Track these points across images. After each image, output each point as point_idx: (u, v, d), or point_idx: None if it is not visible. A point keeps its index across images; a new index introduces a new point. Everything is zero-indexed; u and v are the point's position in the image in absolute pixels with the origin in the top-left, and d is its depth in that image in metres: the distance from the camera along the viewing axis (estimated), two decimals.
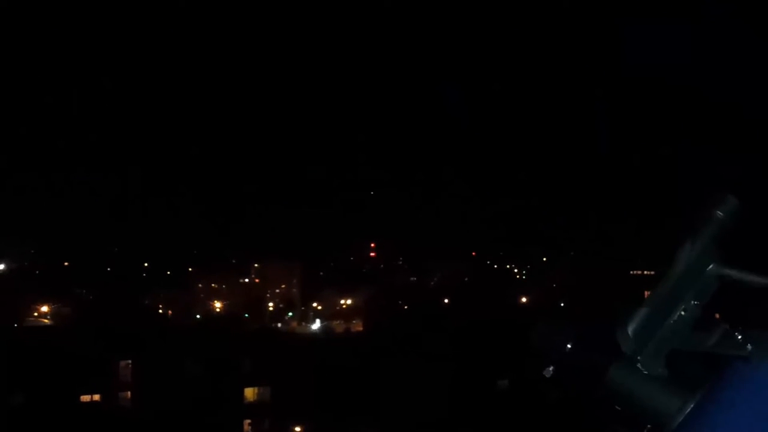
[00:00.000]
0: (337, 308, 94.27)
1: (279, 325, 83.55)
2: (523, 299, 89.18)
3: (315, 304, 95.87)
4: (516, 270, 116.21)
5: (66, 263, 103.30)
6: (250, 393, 50.10)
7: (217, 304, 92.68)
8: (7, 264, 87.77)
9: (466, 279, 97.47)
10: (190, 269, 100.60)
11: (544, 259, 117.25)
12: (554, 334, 1.48)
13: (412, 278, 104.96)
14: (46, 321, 77.97)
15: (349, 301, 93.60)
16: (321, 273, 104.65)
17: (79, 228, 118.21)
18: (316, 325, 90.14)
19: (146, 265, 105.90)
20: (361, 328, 75.71)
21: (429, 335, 51.04)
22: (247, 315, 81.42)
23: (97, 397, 48.56)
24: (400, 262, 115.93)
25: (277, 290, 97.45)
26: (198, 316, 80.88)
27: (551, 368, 1.45)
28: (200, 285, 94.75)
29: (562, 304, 72.74)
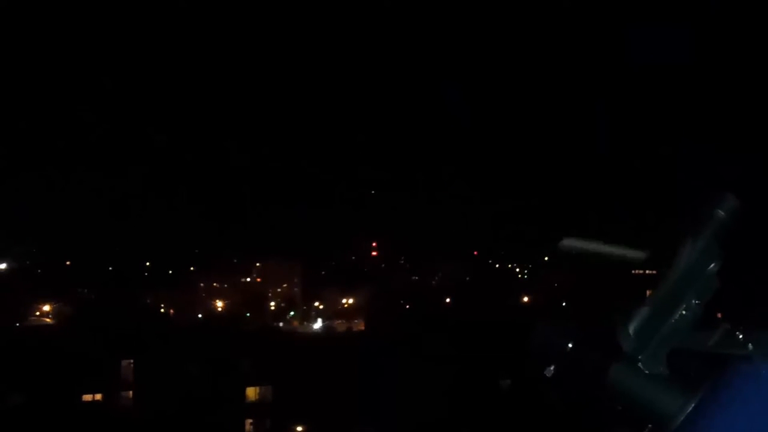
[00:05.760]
0: (339, 307, 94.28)
1: (280, 324, 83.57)
2: (525, 299, 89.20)
3: (316, 304, 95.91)
4: (518, 270, 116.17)
5: (67, 262, 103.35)
6: (251, 392, 50.15)
7: (219, 304, 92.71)
8: (8, 263, 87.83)
9: (467, 278, 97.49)
10: (191, 269, 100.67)
11: (546, 258, 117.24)
12: (555, 334, 1.48)
13: (413, 278, 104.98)
14: (47, 320, 78.02)
15: (350, 301, 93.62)
16: (322, 272, 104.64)
17: (80, 227, 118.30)
18: (318, 324, 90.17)
19: (148, 264, 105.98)
20: (362, 328, 75.71)
21: (430, 335, 51.06)
22: (248, 314, 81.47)
23: (98, 396, 48.61)
24: (402, 262, 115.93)
25: (279, 289, 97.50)
26: (200, 316, 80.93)
27: (552, 368, 1.45)
28: (202, 284, 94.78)
29: (563, 304, 72.71)
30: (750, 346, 1.27)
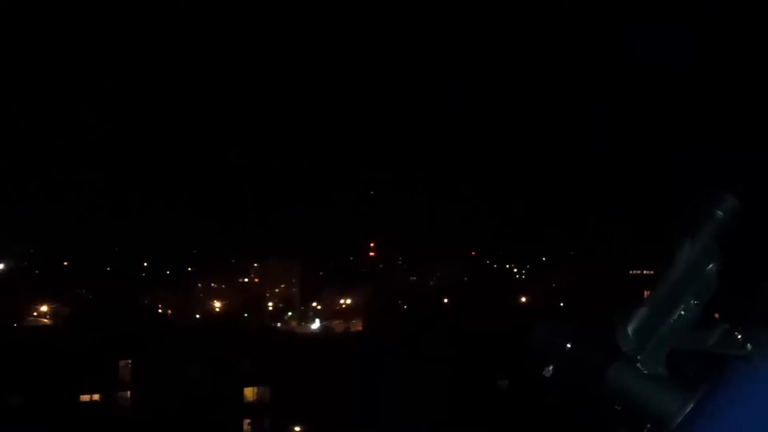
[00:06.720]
0: (337, 308, 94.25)
1: (278, 324, 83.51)
2: (523, 299, 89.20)
3: (314, 304, 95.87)
4: (515, 270, 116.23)
5: (65, 263, 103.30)
6: (249, 392, 50.12)
7: (217, 304, 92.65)
8: (6, 263, 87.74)
9: (465, 279, 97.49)
10: (189, 269, 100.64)
11: (544, 258, 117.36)
12: (554, 334, 1.48)
13: (411, 278, 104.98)
14: (45, 320, 77.96)
15: (348, 301, 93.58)
16: (320, 273, 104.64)
17: (78, 227, 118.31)
18: (316, 324, 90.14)
19: (146, 264, 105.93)
20: (360, 328, 75.68)
21: (428, 335, 51.06)
22: (246, 315, 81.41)
23: (96, 396, 48.57)
24: (400, 262, 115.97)
25: (277, 290, 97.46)
26: (198, 316, 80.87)
27: (551, 368, 1.45)
28: (200, 284, 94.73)
29: (561, 304, 72.72)
30: (749, 346, 1.27)
